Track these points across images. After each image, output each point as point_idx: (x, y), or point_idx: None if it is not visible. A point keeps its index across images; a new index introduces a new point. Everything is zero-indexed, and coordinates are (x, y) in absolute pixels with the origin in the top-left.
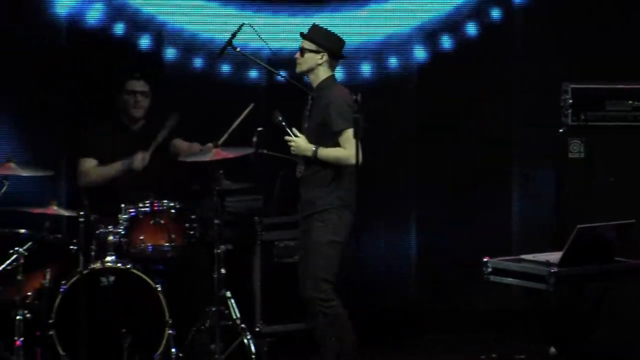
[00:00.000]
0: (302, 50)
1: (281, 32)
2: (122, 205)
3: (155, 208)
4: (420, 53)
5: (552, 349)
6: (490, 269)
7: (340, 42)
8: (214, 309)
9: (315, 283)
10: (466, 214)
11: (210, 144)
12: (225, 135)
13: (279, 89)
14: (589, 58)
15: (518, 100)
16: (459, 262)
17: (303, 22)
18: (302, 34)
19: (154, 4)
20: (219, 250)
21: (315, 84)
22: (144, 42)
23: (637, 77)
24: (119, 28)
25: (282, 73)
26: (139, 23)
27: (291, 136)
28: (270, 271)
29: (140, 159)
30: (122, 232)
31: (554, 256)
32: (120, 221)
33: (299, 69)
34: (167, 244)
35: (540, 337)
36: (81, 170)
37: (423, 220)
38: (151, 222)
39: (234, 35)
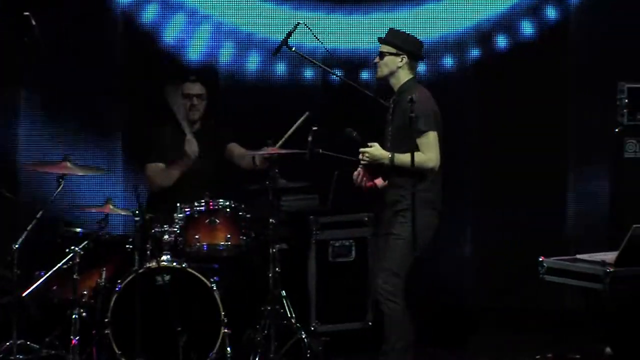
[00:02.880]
0: (382, 54)
1: (336, 31)
2: (178, 205)
3: (211, 207)
4: (475, 52)
5: (608, 349)
6: (545, 269)
7: (419, 43)
8: (269, 308)
9: (386, 274)
10: (522, 213)
11: (266, 148)
12: (281, 142)
13: (334, 88)
14: None
15: (574, 100)
16: (514, 261)
17: (358, 20)
18: (380, 39)
19: (210, 4)
20: (274, 250)
21: (396, 87)
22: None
23: None
24: (174, 27)
25: (337, 72)
26: (193, 23)
27: (365, 147)
28: (325, 270)
29: (189, 149)
30: (178, 231)
31: (610, 256)
32: (176, 220)
33: (379, 73)
34: (222, 243)
35: (595, 337)
36: (149, 175)
37: (479, 220)
38: (206, 221)
39: (289, 34)
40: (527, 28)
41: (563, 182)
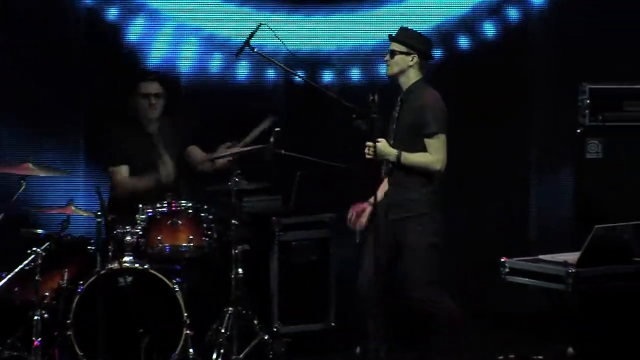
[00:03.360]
0: (392, 53)
1: (298, 32)
2: (140, 206)
3: (173, 208)
4: (437, 53)
5: (570, 350)
6: (507, 269)
7: (429, 43)
8: (231, 309)
9: (424, 286)
10: (484, 214)
11: (222, 148)
12: (242, 143)
13: (296, 89)
14: (607, 58)
15: (536, 101)
16: (475, 261)
17: (319, 21)
18: (391, 37)
19: (171, 5)
20: (236, 251)
21: (405, 87)
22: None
23: None
24: (135, 27)
25: (299, 73)
26: (155, 24)
27: (372, 142)
28: (287, 271)
29: (165, 174)
30: (140, 233)
31: (572, 256)
32: (138, 221)
33: (389, 72)
34: (184, 244)
35: (557, 337)
36: (117, 182)
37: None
38: (169, 223)
39: (251, 35)
40: (489, 29)
41: (526, 183)
